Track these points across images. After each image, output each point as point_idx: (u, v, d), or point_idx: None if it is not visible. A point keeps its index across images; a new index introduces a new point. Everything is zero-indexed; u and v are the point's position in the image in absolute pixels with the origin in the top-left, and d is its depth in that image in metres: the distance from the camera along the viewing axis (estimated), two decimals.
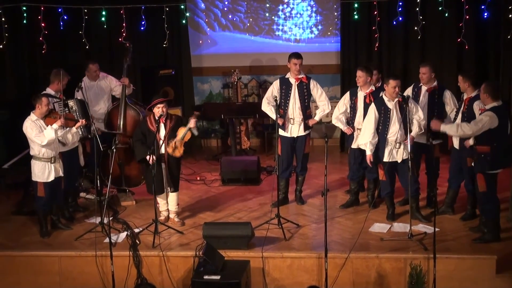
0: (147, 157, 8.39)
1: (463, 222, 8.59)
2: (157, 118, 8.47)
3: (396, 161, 8.47)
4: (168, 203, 8.83)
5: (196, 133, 8.58)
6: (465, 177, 8.53)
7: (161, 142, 8.50)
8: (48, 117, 8.40)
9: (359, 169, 9.20)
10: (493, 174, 7.98)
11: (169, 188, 8.69)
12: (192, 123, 8.48)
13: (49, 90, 9.15)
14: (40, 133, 8.25)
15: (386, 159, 8.48)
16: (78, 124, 8.57)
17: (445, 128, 8.18)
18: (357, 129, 8.96)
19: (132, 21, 11.38)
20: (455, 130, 8.06)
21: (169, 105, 8.82)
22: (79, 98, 9.15)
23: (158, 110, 8.47)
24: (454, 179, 8.72)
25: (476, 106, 8.19)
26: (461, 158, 8.45)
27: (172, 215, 8.89)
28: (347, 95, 9.14)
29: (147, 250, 8.16)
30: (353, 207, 9.24)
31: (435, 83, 8.85)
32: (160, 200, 8.78)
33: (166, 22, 11.31)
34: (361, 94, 8.95)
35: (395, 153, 8.43)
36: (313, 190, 9.85)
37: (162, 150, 8.51)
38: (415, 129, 8.39)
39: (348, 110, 9.09)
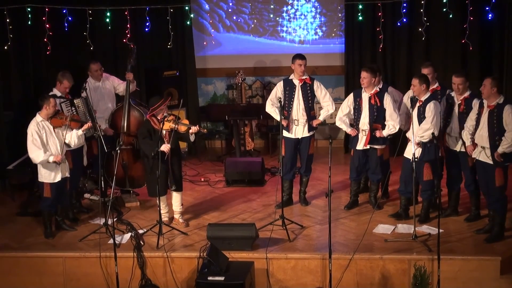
0: (165, 149, 8.37)
1: (467, 223, 8.58)
2: (160, 119, 8.45)
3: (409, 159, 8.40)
4: (172, 203, 8.83)
5: (191, 138, 8.51)
6: (466, 177, 8.52)
7: (165, 140, 8.51)
8: (54, 118, 8.40)
9: (362, 171, 9.20)
10: (507, 166, 7.99)
11: (172, 187, 8.65)
12: (194, 129, 8.43)
13: (55, 91, 9.17)
14: (35, 147, 8.21)
15: (405, 154, 8.48)
16: (85, 126, 8.53)
17: (503, 149, 7.79)
18: (362, 130, 8.94)
19: (137, 22, 11.39)
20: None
21: (176, 107, 8.77)
22: (84, 97, 9.14)
23: (162, 112, 8.46)
24: (455, 181, 8.71)
25: (476, 105, 8.12)
26: (461, 160, 8.44)
27: (176, 215, 8.89)
28: (350, 97, 9.08)
29: (151, 251, 8.17)
30: (357, 208, 9.25)
31: (437, 84, 8.80)
32: (161, 203, 8.73)
33: (171, 23, 11.34)
34: (365, 96, 8.90)
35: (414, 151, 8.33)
36: (317, 191, 9.85)
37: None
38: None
39: (352, 112, 9.08)
